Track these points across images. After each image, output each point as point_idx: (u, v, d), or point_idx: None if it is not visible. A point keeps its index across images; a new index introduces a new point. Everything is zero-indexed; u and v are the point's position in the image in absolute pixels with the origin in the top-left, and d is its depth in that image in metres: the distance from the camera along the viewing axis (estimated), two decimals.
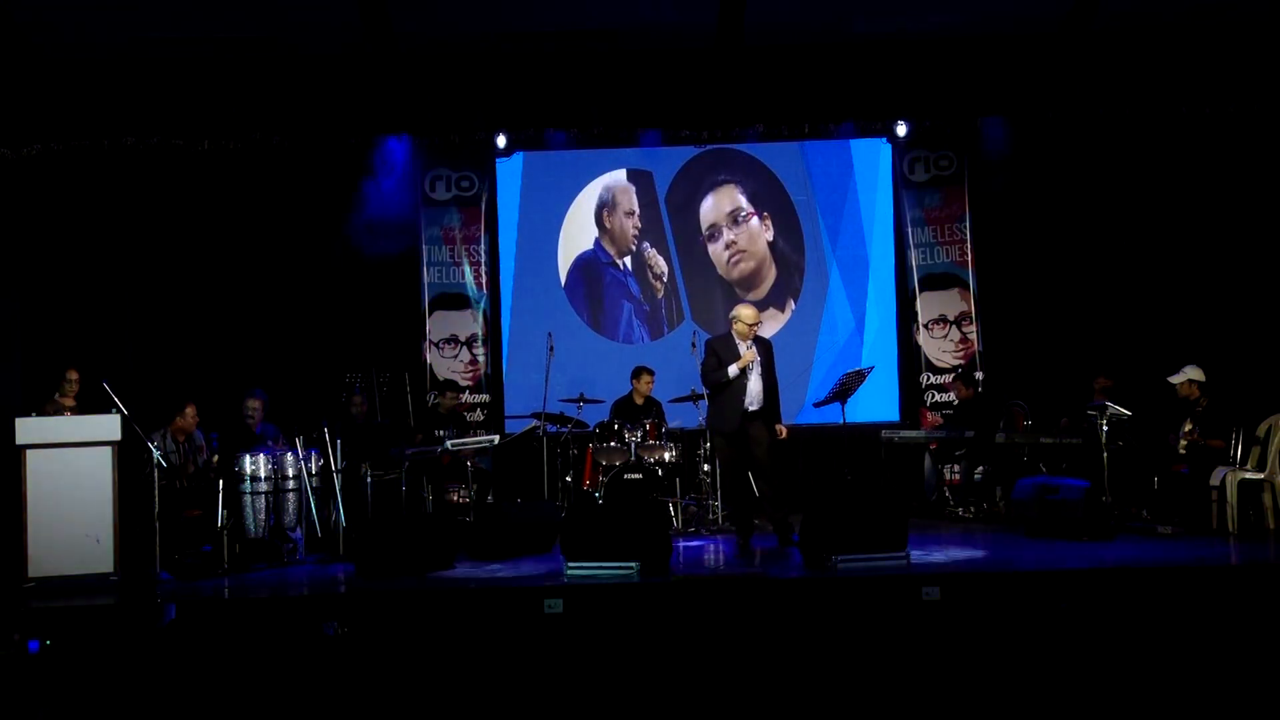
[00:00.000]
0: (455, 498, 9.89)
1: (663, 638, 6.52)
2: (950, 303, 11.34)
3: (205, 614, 7.00)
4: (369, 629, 6.65)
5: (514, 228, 11.58)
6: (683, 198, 11.62)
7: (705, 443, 9.80)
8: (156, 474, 8.09)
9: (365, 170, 10.61)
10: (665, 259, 11.58)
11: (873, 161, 11.56)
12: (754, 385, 8.46)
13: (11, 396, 9.51)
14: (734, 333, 8.55)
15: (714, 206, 11.63)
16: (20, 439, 7.74)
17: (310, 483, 8.69)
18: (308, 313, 10.98)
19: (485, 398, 11.37)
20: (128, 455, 8.10)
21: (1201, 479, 8.80)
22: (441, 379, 11.11)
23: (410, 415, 10.53)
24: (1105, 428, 8.82)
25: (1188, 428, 9.14)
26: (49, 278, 10.19)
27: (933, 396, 11.28)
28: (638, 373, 10.28)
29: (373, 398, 10.28)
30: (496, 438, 10.08)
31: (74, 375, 9.03)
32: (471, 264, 11.42)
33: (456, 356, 11.36)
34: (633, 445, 9.54)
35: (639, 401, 10.21)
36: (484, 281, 11.44)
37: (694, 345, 9.44)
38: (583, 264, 11.62)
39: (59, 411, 8.67)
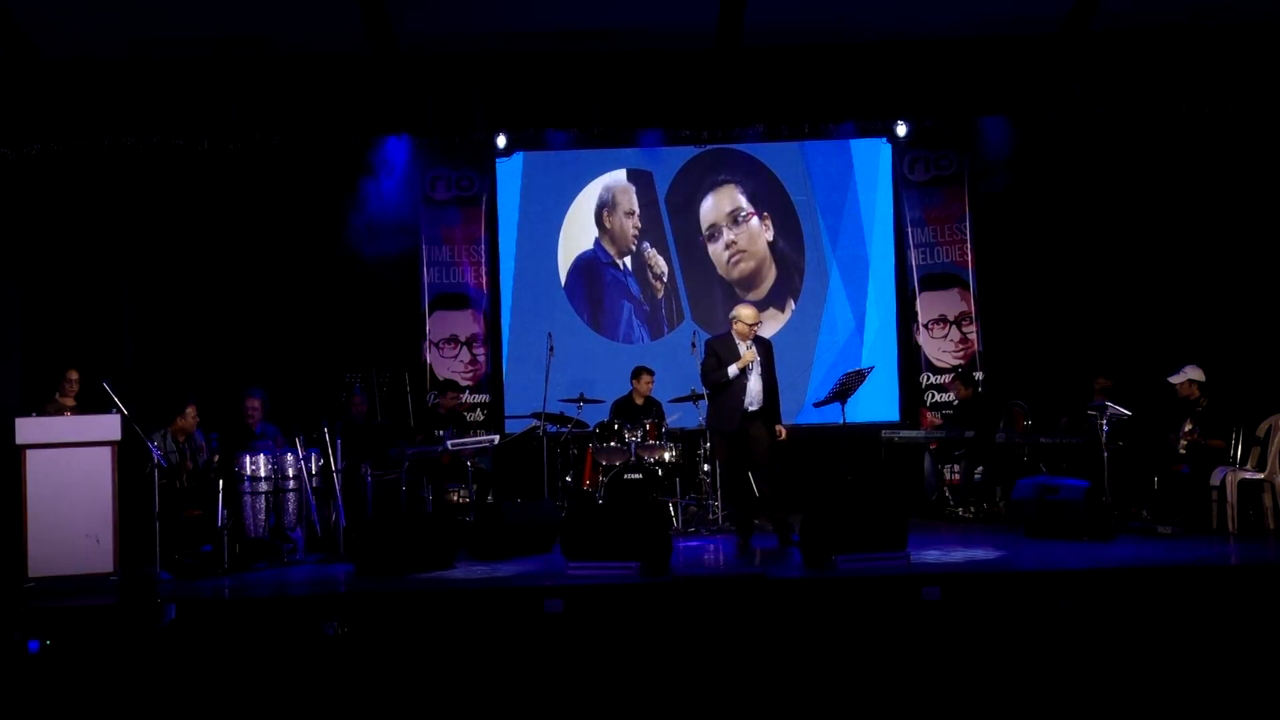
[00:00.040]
0: (455, 498, 9.89)
1: (663, 638, 6.52)
2: (950, 303, 11.34)
3: (205, 614, 7.01)
4: (369, 629, 6.65)
5: (514, 228, 11.58)
6: (683, 198, 11.62)
7: (705, 443, 9.80)
8: (156, 474, 8.10)
9: (365, 170, 10.62)
10: (665, 259, 11.58)
11: (873, 161, 11.56)
12: (754, 385, 8.46)
13: (11, 396, 9.51)
14: (734, 333, 8.55)
15: (714, 206, 11.63)
16: (20, 439, 7.75)
17: (310, 483, 8.70)
18: (308, 313, 10.98)
19: (485, 398, 11.37)
20: (128, 455, 8.10)
21: (1201, 479, 8.81)
22: (441, 379, 11.11)
23: (410, 415, 10.54)
24: (1105, 428, 8.82)
25: (1188, 428, 9.14)
26: (49, 278, 10.19)
27: (933, 396, 11.28)
28: (638, 373, 10.28)
29: (373, 398, 10.29)
30: (496, 438, 10.08)
31: (74, 375, 9.03)
32: (471, 264, 11.42)
33: (456, 356, 11.36)
34: (633, 445, 9.54)
35: (639, 401, 10.21)
36: (484, 281, 11.45)
37: (694, 345, 9.44)
38: (583, 264, 11.62)
39: (59, 411, 8.67)
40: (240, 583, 7.89)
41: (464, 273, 11.40)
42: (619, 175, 11.67)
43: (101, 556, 7.70)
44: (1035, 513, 8.63)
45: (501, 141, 11.03)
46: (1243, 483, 8.66)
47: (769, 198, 11.58)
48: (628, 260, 11.62)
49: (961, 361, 11.21)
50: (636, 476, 9.39)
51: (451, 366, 11.34)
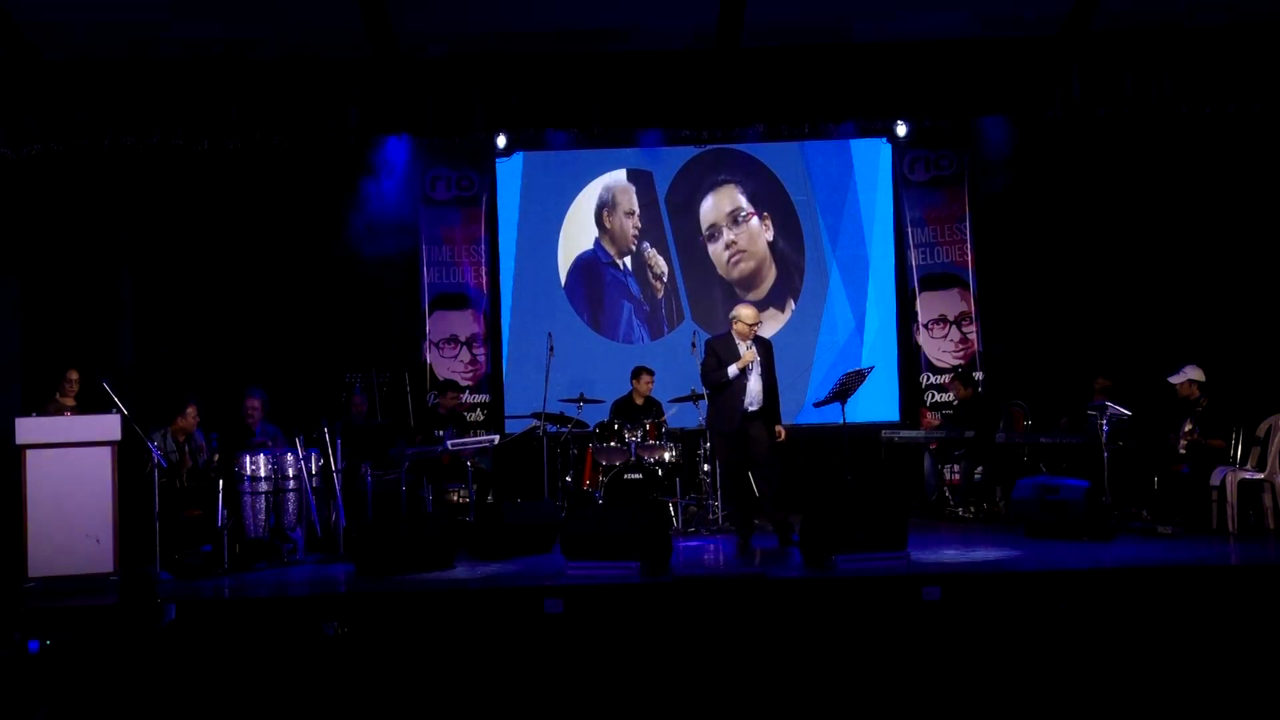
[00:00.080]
0: (455, 498, 9.89)
1: (663, 638, 6.52)
2: (950, 303, 11.34)
3: (205, 614, 7.01)
4: (369, 629, 6.66)
5: (514, 228, 11.59)
6: (683, 198, 11.62)
7: (705, 443, 9.80)
8: (156, 474, 8.10)
9: (365, 170, 10.62)
10: (665, 259, 11.58)
11: (873, 161, 11.56)
12: (754, 385, 8.46)
13: (11, 396, 9.51)
14: (734, 333, 8.55)
15: (714, 206, 11.64)
16: (20, 439, 7.74)
17: (310, 483, 8.69)
18: (308, 313, 10.99)
19: (485, 398, 11.37)
20: (128, 455, 8.10)
21: (1201, 479, 8.81)
22: (441, 379, 11.11)
23: (410, 415, 10.54)
24: (1105, 428, 8.82)
25: (1188, 428, 9.14)
26: (49, 278, 10.18)
27: (932, 396, 11.28)
28: (638, 373, 10.28)
29: (373, 398, 10.29)
30: (496, 438, 10.08)
31: (74, 375, 9.03)
32: (471, 264, 11.42)
33: (456, 356, 11.36)
34: (633, 445, 9.54)
35: (639, 401, 10.21)
36: (484, 281, 11.45)
37: (694, 345, 9.44)
38: (583, 264, 11.62)
39: (59, 411, 8.67)
40: (240, 583, 7.89)
41: (464, 273, 11.41)
42: (619, 175, 11.67)
43: (101, 556, 7.69)
44: (1035, 513, 8.64)
45: (501, 141, 11.04)
46: (1243, 483, 8.67)
47: (769, 198, 11.58)
48: (628, 260, 11.63)
49: (961, 361, 11.22)
50: (636, 476, 9.39)
51: (451, 366, 11.34)
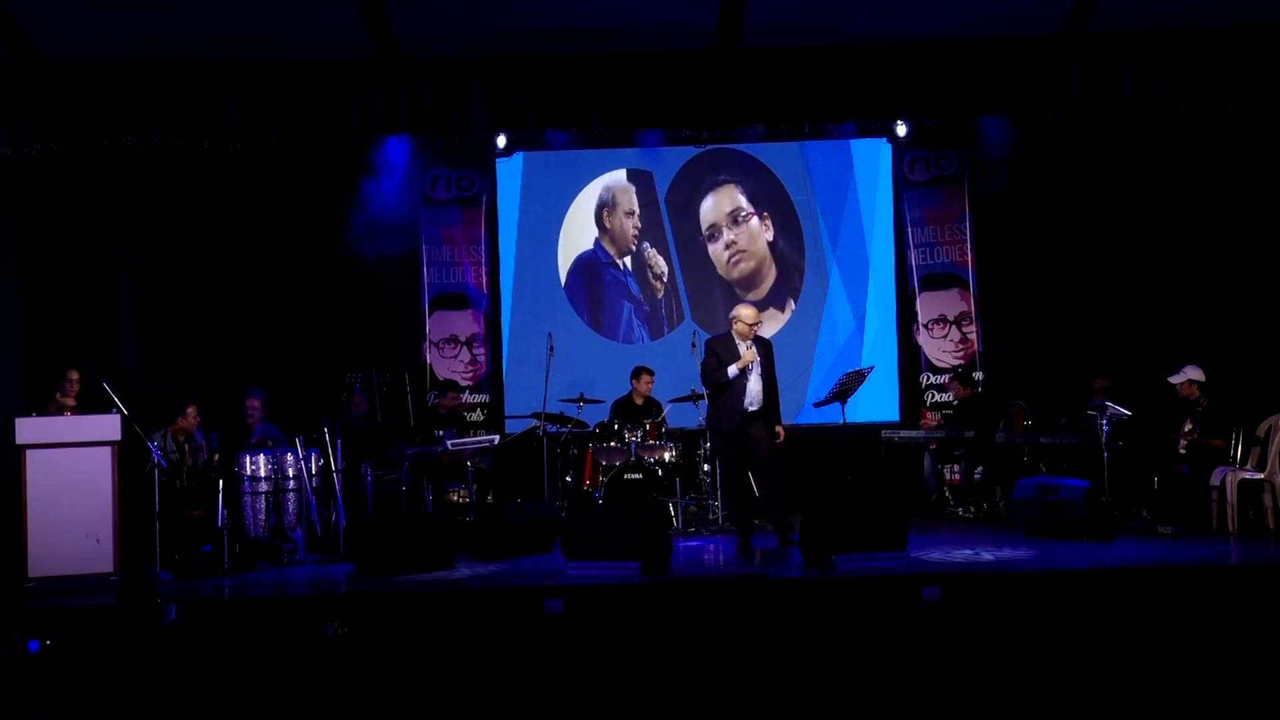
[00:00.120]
0: (455, 498, 9.89)
1: (663, 638, 6.52)
2: (950, 303, 11.34)
3: (205, 614, 7.01)
4: (369, 629, 6.66)
5: (514, 228, 11.59)
6: (683, 198, 11.62)
7: (705, 443, 9.80)
8: (156, 474, 8.10)
9: (365, 170, 10.62)
10: (665, 259, 11.58)
11: (873, 161, 11.56)
12: (754, 385, 8.46)
13: (11, 396, 9.51)
14: (734, 333, 8.55)
15: (714, 206, 11.64)
16: (20, 439, 7.75)
17: (310, 483, 8.69)
18: (308, 313, 11.00)
19: (485, 398, 11.37)
20: (128, 455, 8.10)
21: (1201, 479, 8.81)
22: (441, 379, 11.11)
23: (410, 415, 10.54)
24: (1105, 428, 8.82)
25: (1188, 428, 9.14)
26: (49, 277, 10.18)
27: (932, 396, 11.28)
28: (637, 373, 10.28)
29: (373, 398, 10.30)
30: (496, 438, 10.08)
31: (74, 375, 9.03)
32: (471, 264, 11.42)
33: (456, 356, 11.36)
34: (633, 445, 9.54)
35: (639, 401, 10.21)
36: (484, 281, 11.45)
37: (694, 345, 9.44)
38: (583, 264, 11.62)
39: (60, 411, 8.68)
40: (240, 583, 7.89)
41: (464, 273, 11.41)
42: (619, 175, 11.67)
43: (101, 556, 7.70)
44: (1035, 513, 8.64)
45: (501, 141, 11.05)
46: (1243, 483, 8.67)
47: (769, 198, 11.58)
48: (628, 260, 11.63)
49: (961, 361, 11.22)
50: (636, 476, 9.39)
51: (451, 366, 11.34)
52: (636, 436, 9.57)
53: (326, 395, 10.16)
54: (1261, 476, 8.70)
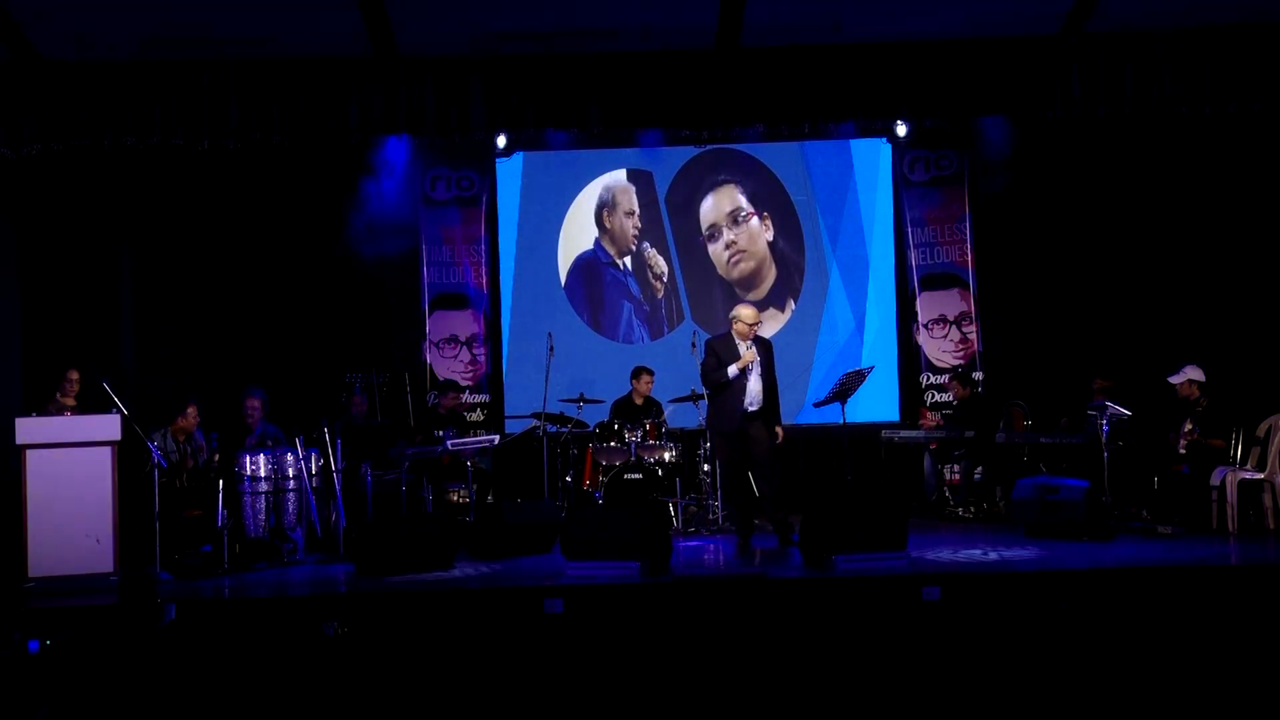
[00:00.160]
0: (455, 498, 9.89)
1: (663, 638, 6.52)
2: (950, 303, 11.34)
3: (205, 614, 7.01)
4: (369, 629, 6.65)
5: (514, 228, 11.58)
6: (683, 198, 11.62)
7: (705, 443, 9.80)
8: (156, 474, 8.10)
9: (365, 170, 10.62)
10: (665, 259, 11.58)
11: (873, 161, 11.56)
12: (754, 385, 8.46)
13: (11, 396, 9.51)
14: (734, 333, 8.55)
15: (714, 206, 11.63)
16: (20, 439, 7.74)
17: (310, 483, 8.69)
18: (308, 313, 11.00)
19: (485, 398, 11.37)
20: (128, 455, 8.10)
21: (1201, 479, 8.81)
22: (441, 379, 11.11)
23: (410, 415, 10.54)
24: (1105, 428, 8.82)
25: (1188, 428, 9.14)
26: (49, 277, 10.18)
27: (932, 396, 11.28)
28: (637, 373, 10.28)
29: (373, 398, 10.29)
30: (496, 438, 10.08)
31: (74, 375, 9.03)
32: (471, 264, 11.42)
33: (456, 356, 11.36)
34: (633, 445, 9.54)
35: (639, 401, 10.21)
36: (484, 281, 11.44)
37: (694, 345, 9.44)
38: (583, 264, 11.62)
39: (60, 411, 8.67)
40: (240, 583, 7.89)
41: (464, 273, 11.40)
42: (619, 175, 11.67)
43: (101, 556, 7.70)
44: (1035, 513, 8.64)
45: (501, 141, 11.05)
46: (1243, 483, 8.67)
47: (769, 198, 11.58)
48: (628, 260, 11.63)
49: (961, 361, 11.22)
50: (636, 476, 9.39)
51: (451, 366, 11.34)
52: (636, 436, 9.57)
53: (326, 395, 10.17)
54: (1261, 476, 8.70)
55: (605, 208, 11.64)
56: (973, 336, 11.27)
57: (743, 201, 11.61)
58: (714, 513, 9.73)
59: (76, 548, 7.66)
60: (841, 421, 9.20)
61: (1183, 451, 9.11)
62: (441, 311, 11.39)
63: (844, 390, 9.18)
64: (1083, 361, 10.48)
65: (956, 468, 10.30)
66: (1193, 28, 8.89)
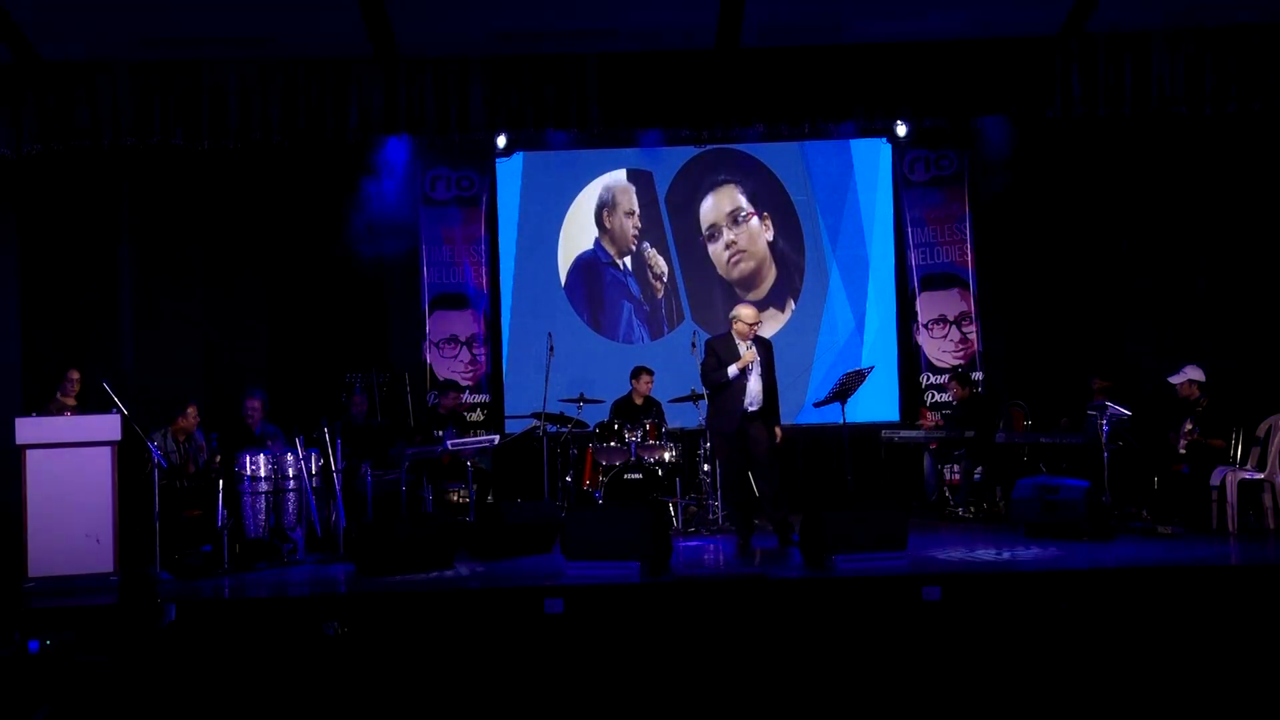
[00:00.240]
0: (455, 498, 9.89)
1: (663, 638, 6.52)
2: (950, 303, 11.33)
3: (205, 614, 7.01)
4: (369, 629, 6.65)
5: (514, 228, 11.59)
6: (683, 198, 11.62)
7: (705, 443, 9.80)
8: (156, 474, 8.10)
9: (365, 170, 10.62)
10: (665, 259, 11.58)
11: (873, 161, 11.56)
12: (754, 385, 8.46)
13: (11, 396, 9.51)
14: (734, 333, 8.55)
15: (714, 206, 11.63)
16: (20, 439, 7.74)
17: (310, 483, 8.69)
18: (308, 313, 11.00)
19: (485, 398, 11.37)
20: (128, 455, 8.10)
21: (1201, 479, 8.81)
22: (442, 379, 11.11)
23: (410, 415, 10.54)
24: (1105, 428, 8.82)
25: (1188, 427, 9.14)
26: (49, 278, 10.18)
27: (932, 396, 11.28)
28: (637, 373, 10.28)
29: (373, 398, 10.29)
30: (496, 438, 10.09)
31: (75, 375, 9.03)
32: (471, 264, 11.42)
33: (456, 356, 11.36)
34: (633, 445, 9.54)
35: (638, 401, 10.21)
36: (484, 281, 11.44)
37: (694, 345, 9.44)
38: (583, 264, 11.62)
39: (60, 411, 8.67)
40: (240, 583, 7.89)
41: (464, 273, 11.40)
42: (619, 175, 11.67)
43: (101, 556, 7.70)
44: (1035, 513, 8.64)
45: (501, 141, 11.05)
46: (1243, 483, 8.67)
47: (769, 198, 11.58)
48: (628, 260, 11.63)
49: (961, 361, 11.21)
50: (636, 476, 9.39)
51: (451, 366, 11.34)
52: (636, 436, 9.57)
53: (326, 395, 10.16)
54: (1261, 476, 8.70)
55: (605, 208, 11.64)
56: (973, 336, 11.27)
57: (743, 201, 11.61)
58: (714, 513, 9.73)
59: (76, 548, 7.66)
60: (841, 421, 9.20)
61: (1183, 451, 9.11)
62: (441, 311, 11.39)
63: (844, 390, 9.18)
64: (1083, 361, 10.48)
65: (956, 468, 10.30)
66: (1193, 28, 8.89)
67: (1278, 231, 10.31)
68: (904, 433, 10.66)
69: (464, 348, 11.37)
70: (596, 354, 11.37)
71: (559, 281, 11.60)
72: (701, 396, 9.38)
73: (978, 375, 11.10)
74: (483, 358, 11.38)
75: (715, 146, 11.54)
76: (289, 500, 8.63)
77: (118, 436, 7.88)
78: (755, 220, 11.59)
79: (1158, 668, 5.75)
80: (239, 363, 10.65)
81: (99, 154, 9.32)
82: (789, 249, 11.55)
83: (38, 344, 9.97)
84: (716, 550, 8.75)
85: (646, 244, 11.61)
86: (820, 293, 11.53)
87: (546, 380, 10.12)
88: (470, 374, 11.35)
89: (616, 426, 9.72)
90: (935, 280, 11.39)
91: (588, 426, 10.17)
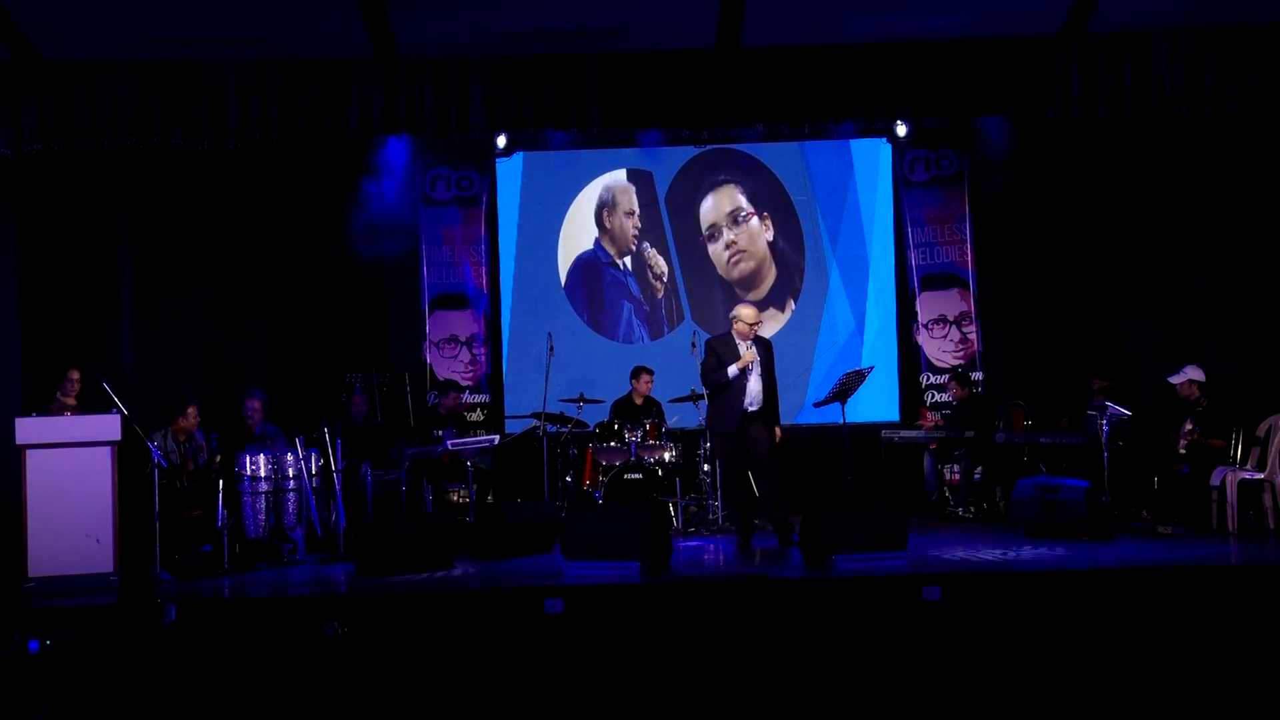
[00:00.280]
0: (455, 498, 9.89)
1: (663, 638, 6.52)
2: (950, 303, 11.33)
3: (205, 614, 7.01)
4: (369, 629, 6.65)
5: (514, 228, 11.59)
6: (683, 198, 11.62)
7: (705, 443, 9.80)
8: (156, 474, 8.10)
9: (365, 170, 10.62)
10: (665, 259, 11.58)
11: (873, 161, 11.56)
12: (754, 385, 8.46)
13: (11, 396, 9.51)
14: (734, 333, 8.55)
15: (714, 206, 11.63)
16: (20, 439, 7.74)
17: (310, 483, 8.69)
18: (308, 313, 11.00)
19: (485, 398, 11.37)
20: (128, 455, 8.10)
21: (1201, 479, 8.81)
22: (441, 379, 11.11)
23: (410, 415, 10.54)
24: (1105, 428, 8.82)
25: (1188, 427, 9.14)
26: (49, 277, 10.18)
27: (932, 396, 11.28)
28: (637, 372, 10.28)
29: (373, 398, 10.29)
30: (496, 438, 10.09)
31: (75, 375, 9.03)
32: (471, 264, 11.42)
33: (456, 356, 11.36)
34: (633, 445, 9.54)
35: (638, 401, 10.21)
36: (484, 281, 11.44)
37: (694, 345, 9.44)
38: (583, 264, 11.62)
39: (61, 411, 8.67)
40: (240, 583, 7.89)
41: (464, 273, 11.40)
42: (619, 175, 11.67)
43: (101, 556, 7.69)
44: (1035, 513, 8.64)
45: (501, 141, 11.06)
46: (1243, 483, 8.67)
47: (769, 198, 11.58)
48: (628, 260, 11.63)
49: (961, 361, 11.21)
50: (636, 476, 9.39)
51: (451, 366, 11.34)
52: (636, 436, 9.57)
53: (326, 395, 10.16)
54: (1261, 476, 8.70)
55: (605, 208, 11.64)
56: (972, 336, 11.27)
57: (743, 201, 11.61)
58: (714, 513, 9.73)
59: (76, 548, 7.66)
60: (841, 421, 9.20)
61: (1183, 451, 9.11)
62: (441, 311, 11.39)
63: (844, 390, 9.18)
64: (1083, 361, 10.48)
65: (956, 468, 10.30)
66: (1193, 28, 8.89)
67: (1278, 231, 10.31)
68: (904, 433, 10.66)
69: (464, 348, 11.37)
70: (596, 354, 11.38)
71: (559, 281, 11.60)
72: (701, 396, 9.38)
73: (978, 375, 11.10)
74: (483, 358, 11.38)
75: (715, 146, 11.54)
76: (289, 500, 8.63)
77: (118, 436, 7.88)
78: (755, 220, 11.59)
79: (1158, 668, 5.75)
80: (239, 363, 10.66)
81: (99, 154, 9.32)
82: (789, 249, 11.55)
83: (38, 344, 9.97)
84: (716, 550, 8.75)
85: (646, 244, 11.61)
86: (820, 293, 11.53)
87: (546, 380, 10.12)
88: (470, 374, 11.35)
89: (616, 426, 9.72)
90: (935, 280, 11.39)
91: (588, 426, 10.17)
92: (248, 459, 8.54)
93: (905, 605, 6.83)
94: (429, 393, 11.04)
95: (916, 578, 7.08)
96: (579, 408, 10.22)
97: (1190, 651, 5.98)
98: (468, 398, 11.22)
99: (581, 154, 11.48)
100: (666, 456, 9.71)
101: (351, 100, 9.01)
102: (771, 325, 11.11)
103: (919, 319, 11.40)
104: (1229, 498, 8.59)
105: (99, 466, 7.78)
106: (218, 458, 8.89)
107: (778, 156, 11.56)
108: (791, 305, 11.54)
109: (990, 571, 7.38)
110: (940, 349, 11.36)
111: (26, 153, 8.91)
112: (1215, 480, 8.73)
